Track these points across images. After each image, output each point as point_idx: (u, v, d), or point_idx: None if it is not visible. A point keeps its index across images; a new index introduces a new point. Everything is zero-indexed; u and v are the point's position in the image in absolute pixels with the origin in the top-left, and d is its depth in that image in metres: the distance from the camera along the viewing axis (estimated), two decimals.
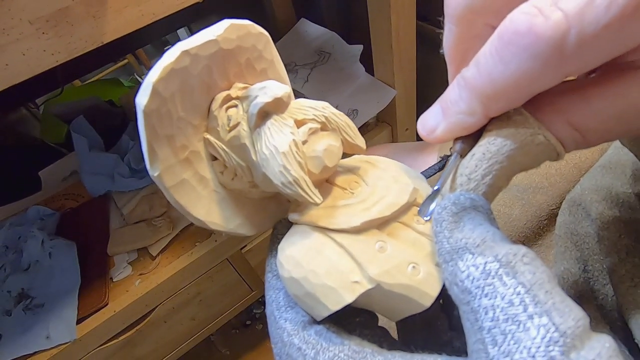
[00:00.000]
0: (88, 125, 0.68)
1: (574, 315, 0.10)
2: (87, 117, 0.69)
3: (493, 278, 0.11)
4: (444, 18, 0.15)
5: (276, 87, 0.16)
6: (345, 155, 0.18)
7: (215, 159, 0.18)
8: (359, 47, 0.70)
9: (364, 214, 0.15)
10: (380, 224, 0.15)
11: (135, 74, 1.95)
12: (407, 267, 0.14)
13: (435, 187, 0.15)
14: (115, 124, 0.73)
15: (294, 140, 0.15)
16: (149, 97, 0.15)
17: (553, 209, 0.28)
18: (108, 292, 0.55)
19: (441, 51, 0.17)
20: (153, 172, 0.16)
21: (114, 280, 0.57)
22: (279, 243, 0.17)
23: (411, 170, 0.18)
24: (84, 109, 0.73)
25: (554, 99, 0.14)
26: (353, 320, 0.16)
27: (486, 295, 0.11)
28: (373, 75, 0.67)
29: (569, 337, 0.09)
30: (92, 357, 0.55)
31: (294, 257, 0.15)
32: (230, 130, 0.17)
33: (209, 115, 0.17)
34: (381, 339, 0.16)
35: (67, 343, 0.50)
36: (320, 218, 0.16)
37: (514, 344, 0.10)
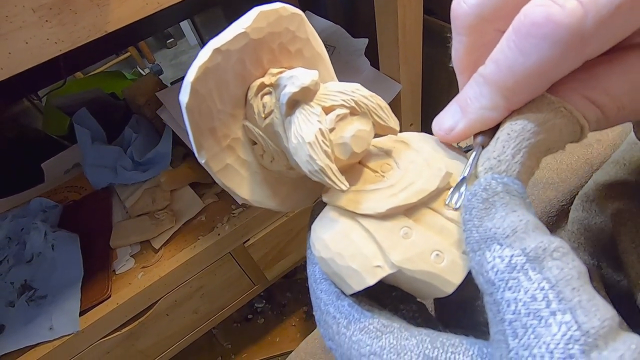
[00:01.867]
0: (91, 118, 0.68)
1: (600, 315, 0.10)
2: (90, 110, 0.69)
3: (518, 272, 0.11)
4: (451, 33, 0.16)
5: (303, 75, 0.16)
6: (378, 135, 0.18)
7: (255, 143, 0.19)
8: (364, 41, 0.70)
9: (391, 200, 0.15)
10: (408, 209, 0.16)
11: (137, 66, 1.94)
12: (430, 255, 0.14)
13: (462, 176, 0.15)
14: (118, 117, 0.73)
15: (320, 129, 0.16)
16: (189, 95, 0.16)
17: (563, 205, 0.28)
18: (111, 285, 0.55)
19: (450, 65, 0.17)
20: (201, 160, 0.17)
21: (116, 273, 0.57)
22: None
23: (449, 150, 0.17)
24: (86, 101, 0.73)
25: (566, 80, 0.14)
26: (389, 294, 0.17)
27: (509, 289, 0.11)
28: (378, 69, 0.67)
29: (591, 336, 0.09)
30: (94, 348, 0.55)
31: (322, 239, 0.16)
32: (265, 118, 0.17)
33: (246, 104, 0.18)
34: (416, 314, 0.16)
35: (70, 334, 0.51)
36: (348, 202, 0.16)
37: (534, 338, 0.10)
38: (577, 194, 0.27)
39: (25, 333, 0.51)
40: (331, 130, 0.16)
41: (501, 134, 0.14)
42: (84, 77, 1.17)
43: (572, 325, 0.10)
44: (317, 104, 0.16)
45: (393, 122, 0.17)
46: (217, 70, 0.16)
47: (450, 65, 0.17)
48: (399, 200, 0.15)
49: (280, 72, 0.17)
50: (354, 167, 0.18)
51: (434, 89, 0.82)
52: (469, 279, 0.17)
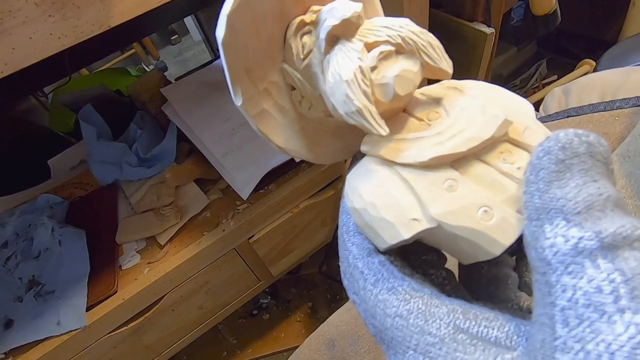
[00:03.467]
0: (96, 114, 0.68)
1: None
2: (95, 106, 0.69)
3: (584, 258, 0.09)
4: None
5: (344, 7, 0.14)
6: (433, 81, 0.16)
7: (293, 88, 0.18)
8: None
9: (436, 149, 0.14)
10: (456, 160, 0.14)
11: (142, 63, 1.95)
12: (477, 210, 0.13)
13: None
14: (123, 113, 0.73)
15: (359, 67, 0.14)
16: (225, 29, 0.14)
17: None
18: (117, 280, 0.55)
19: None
20: (237, 102, 0.16)
21: (122, 269, 0.57)
22: None
23: (515, 98, 0.15)
24: (91, 98, 0.73)
25: None
26: (419, 257, 0.16)
27: (569, 274, 0.09)
28: None
29: None
30: (101, 343, 0.55)
31: (356, 189, 0.15)
32: (304, 59, 0.16)
33: (285, 44, 0.17)
34: (445, 280, 0.15)
35: (77, 329, 0.51)
36: (387, 151, 0.15)
37: (590, 332, 0.09)
38: None
39: (34, 328, 0.51)
40: (373, 68, 0.14)
41: None
42: (89, 74, 1.17)
43: None
44: (359, 40, 0.15)
45: (445, 63, 0.15)
46: (253, 2, 0.15)
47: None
48: (445, 149, 0.13)
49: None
50: (398, 115, 0.16)
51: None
52: (503, 255, 0.14)
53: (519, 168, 0.13)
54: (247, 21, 0.15)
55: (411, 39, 0.15)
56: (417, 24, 0.15)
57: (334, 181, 0.66)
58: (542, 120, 0.35)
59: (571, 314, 0.09)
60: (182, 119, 0.63)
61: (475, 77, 0.75)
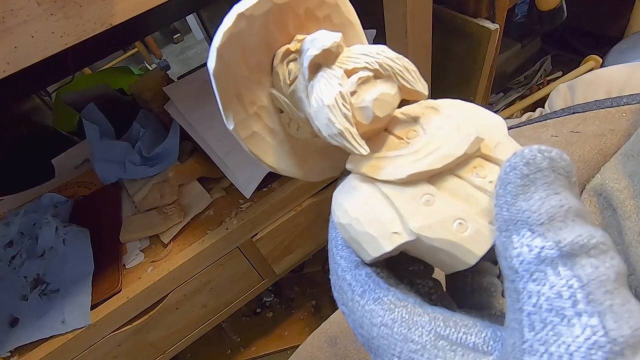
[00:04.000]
0: (99, 113, 0.68)
1: (633, 323, 0.09)
2: (98, 105, 0.69)
3: (546, 266, 0.10)
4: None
5: (325, 37, 0.16)
6: (407, 102, 0.17)
7: (281, 111, 0.19)
8: (372, 32, 0.69)
9: (414, 166, 0.15)
10: (433, 176, 0.15)
11: (145, 62, 1.95)
12: (452, 223, 0.14)
13: None
14: (126, 112, 0.73)
15: (340, 92, 0.15)
16: (215, 61, 0.16)
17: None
18: (121, 279, 0.55)
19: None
20: (229, 126, 0.17)
21: (126, 267, 0.57)
22: None
23: (488, 115, 0.17)
24: (94, 97, 0.73)
25: None
26: (406, 268, 0.16)
27: (534, 281, 0.10)
28: None
29: (618, 344, 0.09)
30: (106, 342, 0.55)
31: (342, 205, 0.16)
32: (290, 84, 0.17)
33: (272, 71, 0.18)
34: (431, 290, 0.16)
35: (82, 328, 0.51)
36: (369, 169, 0.16)
37: (553, 335, 0.10)
38: (584, 188, 0.26)
39: (39, 326, 0.52)
40: (352, 93, 0.15)
41: None
42: (92, 73, 1.18)
43: (598, 330, 0.09)
44: (339, 67, 0.16)
45: (421, 85, 0.16)
46: (241, 35, 0.16)
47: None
48: (423, 166, 0.14)
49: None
50: (379, 134, 0.17)
51: (443, 80, 0.80)
52: (486, 264, 0.16)
53: (490, 182, 0.14)
54: (236, 52, 0.16)
55: (388, 65, 0.16)
56: (395, 50, 0.16)
57: (337, 179, 0.66)
58: (548, 117, 0.35)
59: (536, 318, 0.10)
60: (184, 117, 0.63)
61: (479, 74, 0.74)
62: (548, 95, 0.43)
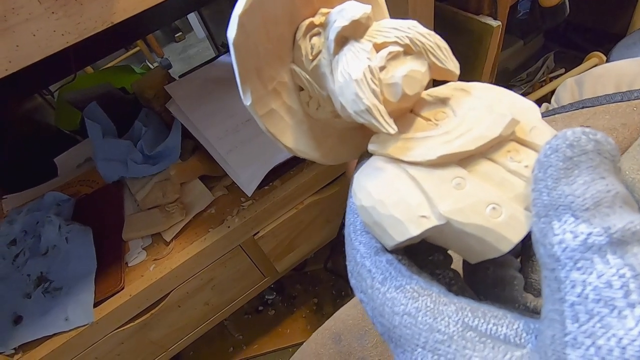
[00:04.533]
0: (101, 112, 0.68)
1: None
2: (100, 104, 0.69)
3: (594, 253, 0.09)
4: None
5: (354, 8, 0.15)
6: (439, 83, 0.17)
7: (301, 89, 0.18)
8: None
9: (444, 147, 0.14)
10: (464, 159, 0.14)
11: (146, 60, 1.95)
12: (485, 207, 0.13)
13: None
14: (128, 111, 0.73)
15: (368, 66, 0.14)
16: (237, 30, 0.15)
17: None
18: (124, 277, 0.56)
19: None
20: (246, 102, 0.16)
21: (129, 265, 0.58)
22: None
23: (521, 99, 0.16)
24: (96, 95, 0.73)
25: None
26: (426, 257, 0.16)
27: (578, 269, 0.10)
28: None
29: None
30: (109, 339, 0.56)
31: (365, 187, 0.15)
32: (313, 60, 0.16)
33: (294, 46, 0.17)
34: (451, 281, 0.15)
35: (85, 325, 0.52)
36: (395, 150, 0.15)
37: (601, 327, 0.09)
38: None
39: (42, 324, 0.52)
40: (381, 68, 0.15)
41: None
42: (94, 72, 1.18)
43: None
44: (368, 41, 0.15)
45: (452, 64, 0.16)
46: (264, 3, 0.15)
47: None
48: (454, 148, 0.14)
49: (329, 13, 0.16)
50: (406, 115, 0.16)
51: None
52: (508, 257, 0.15)
53: (526, 166, 0.13)
54: (258, 22, 0.15)
55: (419, 40, 0.15)
56: (424, 24, 0.15)
57: (339, 177, 0.66)
58: (556, 111, 0.34)
59: (581, 309, 0.09)
60: (186, 116, 0.63)
61: (481, 71, 0.74)
62: (551, 92, 0.43)
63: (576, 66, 1.03)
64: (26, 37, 0.28)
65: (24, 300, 0.55)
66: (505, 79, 1.16)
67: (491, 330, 0.11)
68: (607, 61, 0.95)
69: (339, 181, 0.67)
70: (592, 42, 1.15)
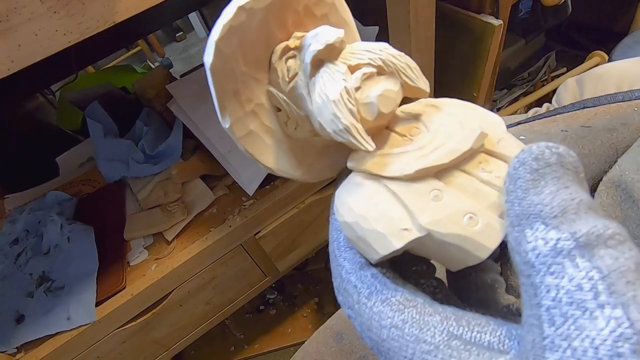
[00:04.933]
0: (102, 111, 0.68)
1: None
2: (101, 104, 0.69)
3: (564, 257, 0.10)
4: None
5: (328, 32, 0.16)
6: (409, 100, 0.17)
7: (279, 110, 0.18)
8: (375, 29, 0.68)
9: (420, 162, 0.15)
10: (439, 172, 0.15)
11: (147, 60, 1.95)
12: (462, 217, 0.13)
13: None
14: (129, 111, 0.73)
15: (345, 87, 0.15)
16: (213, 55, 0.15)
17: None
18: (125, 276, 0.56)
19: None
20: (224, 125, 0.17)
21: (130, 265, 0.58)
22: None
23: (488, 114, 0.17)
24: (98, 95, 0.73)
25: None
26: (410, 268, 0.16)
27: (551, 274, 0.10)
28: None
29: None
30: (111, 338, 0.56)
31: (346, 203, 0.15)
32: (289, 81, 0.17)
33: (270, 68, 0.17)
34: (436, 289, 0.16)
35: (86, 325, 0.52)
36: (373, 166, 0.15)
37: (575, 329, 0.09)
38: (600, 180, 0.26)
39: (44, 323, 0.52)
40: (357, 89, 0.15)
41: None
42: (96, 72, 1.18)
43: (623, 321, 0.09)
44: (343, 63, 0.16)
45: (423, 83, 0.16)
46: (241, 29, 0.16)
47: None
48: (429, 162, 0.14)
49: (304, 36, 0.17)
50: (381, 131, 0.17)
51: (446, 77, 0.80)
52: (488, 262, 0.15)
53: (497, 177, 0.14)
54: (235, 47, 0.16)
55: (391, 62, 0.16)
56: (398, 48, 0.16)
57: (335, 179, 0.66)
58: (557, 111, 0.34)
59: (556, 312, 0.10)
60: (187, 115, 0.63)
61: (482, 70, 0.74)
62: (552, 91, 0.43)
63: (578, 65, 1.03)
64: (28, 36, 0.28)
65: (26, 300, 0.55)
66: (507, 78, 1.16)
67: (475, 337, 0.12)
68: (608, 60, 0.95)
69: (337, 183, 0.66)
70: (594, 41, 1.15)
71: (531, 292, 0.10)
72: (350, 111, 0.15)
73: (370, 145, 0.15)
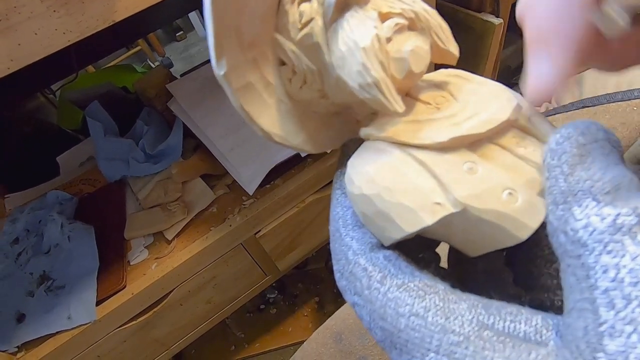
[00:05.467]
0: (103, 111, 0.68)
1: None
2: (102, 103, 0.69)
3: (624, 234, 0.09)
4: None
5: None
6: (432, 69, 0.15)
7: (283, 64, 0.16)
8: None
9: (453, 130, 0.13)
10: (472, 143, 0.13)
11: (148, 60, 1.95)
12: (502, 193, 0.12)
13: None
14: (129, 110, 0.73)
15: (377, 35, 0.13)
16: None
17: None
18: (126, 275, 0.56)
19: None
20: (219, 70, 0.14)
21: (131, 264, 0.58)
22: (348, 159, 0.15)
23: (514, 92, 0.15)
24: (98, 94, 0.73)
25: None
26: (416, 255, 0.15)
27: (609, 252, 0.09)
28: None
29: None
30: (111, 337, 0.56)
31: (367, 173, 0.13)
32: (302, 28, 0.14)
33: (279, 11, 0.15)
34: (445, 279, 0.14)
35: (87, 324, 0.52)
36: (399, 132, 0.13)
37: None
38: None
39: (45, 322, 0.52)
40: (387, 40, 0.13)
41: None
42: (96, 71, 1.18)
43: None
44: (373, 9, 0.14)
45: (454, 46, 0.15)
46: None
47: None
48: (464, 130, 0.13)
49: None
50: (403, 98, 0.15)
51: None
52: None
53: (534, 152, 0.13)
54: None
55: (424, 17, 0.14)
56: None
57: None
58: (557, 111, 0.34)
59: (617, 294, 0.09)
60: (188, 114, 0.63)
61: (483, 69, 0.74)
62: None
63: None
64: (28, 35, 0.28)
65: (26, 299, 0.55)
66: (507, 77, 1.15)
67: (509, 328, 0.10)
68: None
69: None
70: None
71: (581, 275, 0.09)
72: (381, 63, 0.13)
73: (400, 105, 0.13)
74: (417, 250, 0.15)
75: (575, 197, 0.10)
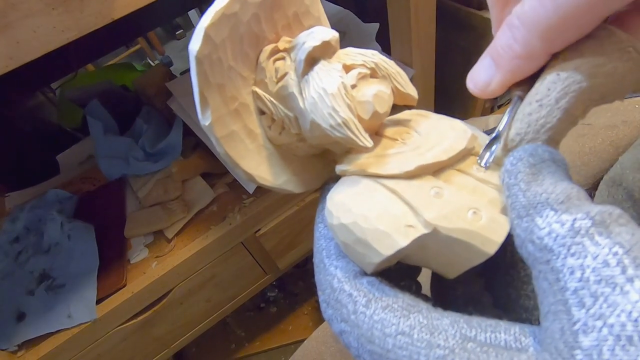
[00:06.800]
0: (102, 109, 0.68)
1: None
2: (101, 101, 0.69)
3: (582, 237, 0.10)
4: None
5: (324, 31, 0.16)
6: (394, 110, 0.18)
7: (263, 113, 0.18)
8: (375, 26, 0.68)
9: (418, 159, 0.14)
10: (436, 170, 0.15)
11: (147, 58, 1.95)
12: (467, 212, 0.13)
13: (495, 133, 0.14)
14: (129, 108, 0.73)
15: (342, 82, 0.15)
16: (202, 42, 0.14)
17: (586, 190, 0.26)
18: (126, 274, 0.56)
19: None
20: (204, 121, 0.15)
21: (131, 262, 0.58)
22: None
23: (466, 124, 0.17)
24: (98, 93, 0.73)
25: (632, 17, 0.12)
26: (398, 283, 0.15)
27: (573, 255, 0.10)
28: (390, 54, 0.65)
29: None
30: (111, 336, 0.56)
31: (343, 203, 0.15)
32: (278, 82, 0.16)
33: (257, 68, 0.17)
34: (427, 301, 0.15)
35: (87, 322, 0.52)
36: (370, 165, 0.15)
37: (608, 307, 0.09)
38: (601, 178, 0.26)
39: (45, 321, 0.52)
40: (353, 87, 0.15)
41: (548, 75, 0.13)
42: (95, 70, 1.18)
43: None
44: (338, 62, 0.16)
45: (411, 89, 0.17)
46: (233, 19, 0.15)
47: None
48: (428, 159, 0.14)
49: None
50: (372, 136, 0.16)
51: (448, 74, 0.80)
52: (472, 273, 0.15)
53: (491, 175, 0.15)
54: (224, 37, 0.15)
55: (383, 66, 0.16)
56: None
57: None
58: None
59: (585, 293, 0.09)
60: (187, 113, 0.63)
61: None
62: None
63: None
64: (26, 33, 0.27)
65: (27, 297, 0.55)
66: None
67: (490, 338, 0.11)
68: None
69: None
70: None
71: (552, 278, 0.10)
72: (348, 106, 0.15)
73: (368, 141, 0.15)
74: (398, 278, 0.16)
75: (536, 209, 0.11)
